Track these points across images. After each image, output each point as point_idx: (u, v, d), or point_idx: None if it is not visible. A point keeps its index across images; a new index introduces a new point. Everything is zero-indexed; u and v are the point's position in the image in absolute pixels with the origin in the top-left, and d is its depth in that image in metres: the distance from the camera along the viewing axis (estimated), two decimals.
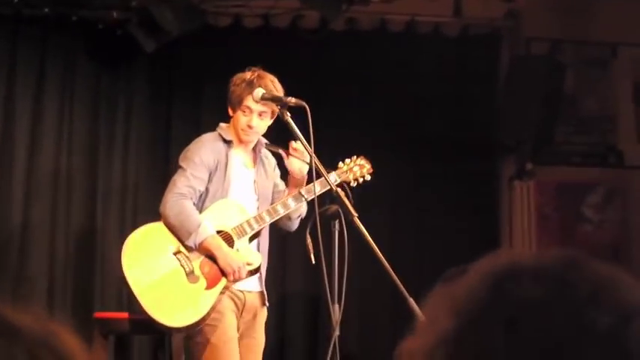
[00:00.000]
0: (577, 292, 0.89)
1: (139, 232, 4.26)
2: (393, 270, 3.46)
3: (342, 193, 3.69)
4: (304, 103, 3.96)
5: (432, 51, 6.48)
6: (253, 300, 4.30)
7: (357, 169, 4.53)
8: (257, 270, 4.22)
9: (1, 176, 5.86)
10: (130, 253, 4.16)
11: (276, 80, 4.22)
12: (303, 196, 4.22)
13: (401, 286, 3.36)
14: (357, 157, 4.58)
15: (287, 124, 3.98)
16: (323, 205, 3.82)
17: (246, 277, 4.17)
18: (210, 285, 4.12)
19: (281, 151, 4.35)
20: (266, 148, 4.41)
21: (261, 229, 4.26)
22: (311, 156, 3.93)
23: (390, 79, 6.40)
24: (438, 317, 0.93)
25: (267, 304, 4.36)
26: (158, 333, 4.91)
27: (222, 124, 4.36)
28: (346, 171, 4.48)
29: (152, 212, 6.06)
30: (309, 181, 4.16)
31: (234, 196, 4.27)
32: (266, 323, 4.41)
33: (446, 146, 6.46)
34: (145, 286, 4.08)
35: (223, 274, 4.12)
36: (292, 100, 3.99)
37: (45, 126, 5.94)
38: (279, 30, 6.35)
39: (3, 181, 5.85)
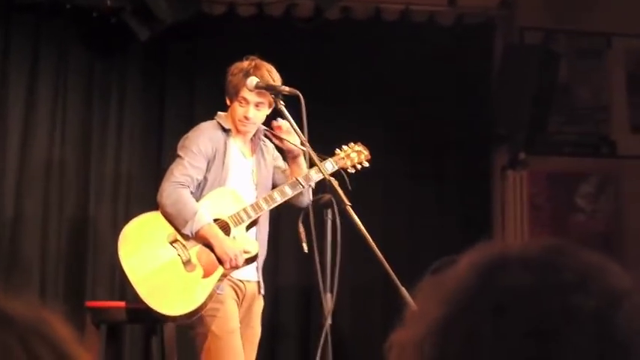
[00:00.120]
0: (564, 279, 0.90)
1: (135, 221, 4.24)
2: (385, 259, 3.46)
3: (335, 183, 3.69)
4: (298, 92, 3.96)
5: (427, 40, 6.47)
6: (252, 290, 4.30)
7: (354, 155, 4.53)
8: (254, 258, 4.21)
9: None
10: (126, 242, 4.14)
11: (273, 69, 4.20)
12: (300, 183, 4.21)
13: (393, 275, 3.36)
14: (355, 144, 4.58)
15: (281, 112, 3.99)
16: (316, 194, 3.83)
17: (243, 265, 4.16)
18: (207, 273, 4.11)
19: (273, 138, 4.35)
20: (264, 134, 4.40)
21: (258, 217, 4.25)
22: (304, 145, 3.92)
23: (384, 67, 6.40)
24: (428, 308, 0.93)
25: (263, 292, 4.37)
26: (150, 322, 4.91)
27: (221, 113, 4.33)
28: (343, 157, 4.48)
29: (145, 201, 6.06)
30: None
31: (233, 185, 4.25)
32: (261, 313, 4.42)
33: (439, 135, 6.46)
34: (141, 276, 4.07)
35: (220, 262, 4.11)
36: (286, 89, 4.00)
37: (38, 115, 5.93)
38: (274, 18, 6.34)
39: None
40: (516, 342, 0.86)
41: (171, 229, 4.15)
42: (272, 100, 4.11)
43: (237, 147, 4.29)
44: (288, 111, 4.05)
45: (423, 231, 6.36)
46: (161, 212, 4.18)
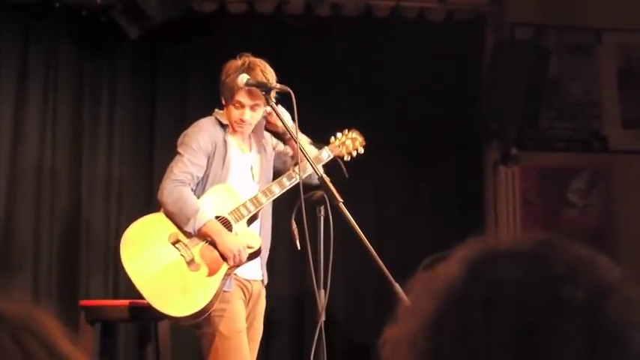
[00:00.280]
0: (553, 271, 0.91)
1: (136, 224, 4.20)
2: (378, 255, 3.47)
3: (327, 179, 3.69)
4: (289, 89, 3.96)
5: (417, 37, 6.47)
6: (257, 289, 4.28)
7: (349, 142, 4.53)
8: (258, 252, 4.19)
9: None
10: (128, 246, 4.11)
11: (267, 68, 4.15)
12: (298, 174, 4.20)
13: (386, 271, 3.37)
14: (349, 131, 4.58)
15: (272, 109, 3.98)
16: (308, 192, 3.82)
17: (247, 260, 4.14)
18: (212, 272, 4.08)
19: (268, 125, 4.34)
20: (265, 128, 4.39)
21: (258, 211, 4.23)
22: (296, 141, 3.92)
23: (374, 64, 6.40)
24: (420, 303, 0.93)
25: (266, 281, 4.35)
26: (145, 320, 4.91)
27: (218, 110, 4.30)
28: (338, 145, 4.48)
29: (137, 199, 6.07)
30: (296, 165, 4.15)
31: (233, 181, 4.22)
32: None
33: (431, 132, 6.47)
34: (146, 279, 4.04)
35: (224, 259, 4.09)
36: (277, 86, 3.99)
37: (28, 113, 5.91)
38: (264, 16, 6.33)
39: None
40: (508, 334, 0.87)
41: (173, 230, 4.12)
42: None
43: (235, 143, 4.27)
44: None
45: (416, 227, 6.36)
46: (163, 211, 4.15)
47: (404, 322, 0.94)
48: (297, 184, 3.97)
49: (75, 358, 0.89)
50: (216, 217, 4.14)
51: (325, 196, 3.66)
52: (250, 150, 4.33)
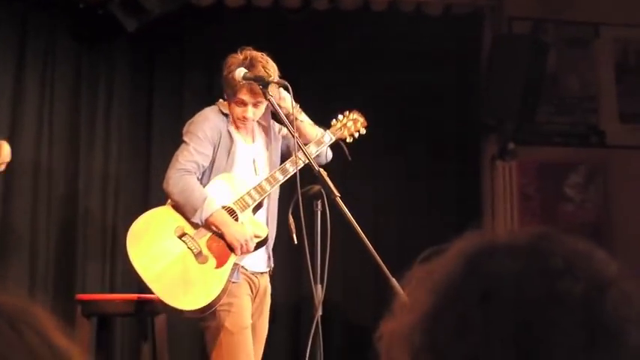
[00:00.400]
0: (550, 264, 0.91)
1: (141, 219, 4.15)
2: (375, 249, 3.46)
3: (324, 173, 3.68)
4: (286, 83, 3.95)
5: (415, 30, 6.47)
6: (264, 284, 4.26)
7: (350, 124, 4.51)
8: (265, 241, 4.16)
9: None
10: (135, 242, 4.07)
11: (269, 63, 4.10)
12: (300, 159, 4.18)
13: (383, 266, 3.36)
14: (350, 112, 4.56)
15: (270, 103, 3.97)
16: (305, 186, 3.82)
17: (255, 249, 4.12)
18: (220, 263, 4.05)
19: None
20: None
21: (263, 199, 4.20)
22: (293, 135, 3.91)
23: (372, 58, 6.39)
24: (417, 297, 0.93)
25: (272, 265, 4.31)
26: (141, 313, 4.91)
27: (222, 101, 4.25)
28: (340, 127, 4.46)
29: (134, 194, 6.07)
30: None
31: (238, 171, 4.19)
32: None
33: (428, 126, 6.47)
34: (155, 274, 4.00)
35: (231, 249, 4.06)
36: (274, 79, 3.98)
37: (26, 106, 5.90)
38: (262, 9, 6.32)
39: None
40: (506, 328, 0.87)
41: (178, 223, 4.08)
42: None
43: (239, 134, 4.23)
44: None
45: (413, 221, 6.36)
46: (169, 201, 4.11)
47: (401, 316, 0.94)
48: (302, 168, 3.96)
49: (70, 351, 0.89)
50: (222, 207, 4.10)
51: (322, 190, 3.65)
52: (254, 141, 4.29)
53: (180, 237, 4.08)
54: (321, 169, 3.70)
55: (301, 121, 4.32)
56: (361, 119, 4.56)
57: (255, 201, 4.15)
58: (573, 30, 6.98)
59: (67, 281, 5.85)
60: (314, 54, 6.36)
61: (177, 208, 4.09)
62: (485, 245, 0.94)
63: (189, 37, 6.24)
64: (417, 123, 6.46)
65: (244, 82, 4.03)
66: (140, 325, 4.94)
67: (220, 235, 4.06)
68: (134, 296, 5.12)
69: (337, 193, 3.59)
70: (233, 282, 4.08)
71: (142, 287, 4.93)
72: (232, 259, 4.07)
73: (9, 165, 4.09)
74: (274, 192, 4.26)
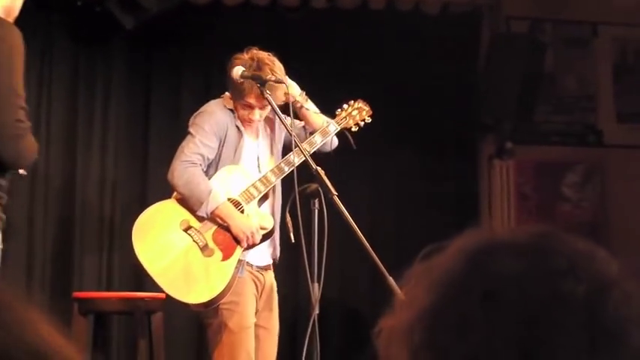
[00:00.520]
0: (553, 264, 0.90)
1: (146, 213, 4.13)
2: (372, 248, 3.46)
3: (321, 172, 3.67)
4: (284, 81, 3.95)
5: (413, 29, 6.46)
6: (270, 281, 4.23)
7: (355, 113, 4.51)
8: (271, 233, 4.14)
9: None
10: (140, 236, 4.03)
11: (275, 64, 4.07)
12: (305, 149, 4.16)
13: (380, 265, 3.36)
14: (355, 101, 4.56)
15: (267, 102, 3.95)
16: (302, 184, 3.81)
17: (261, 241, 4.10)
18: (226, 255, 4.03)
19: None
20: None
21: (268, 191, 4.18)
22: (291, 134, 3.91)
23: (370, 57, 6.38)
24: (418, 294, 0.93)
25: (278, 254, 4.28)
26: (137, 311, 4.90)
27: (227, 94, 4.20)
28: (345, 117, 4.46)
29: (131, 192, 6.06)
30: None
31: (244, 165, 4.17)
32: None
33: (426, 125, 6.46)
34: (161, 268, 3.97)
35: (237, 242, 4.04)
36: (272, 78, 3.97)
37: None
38: (260, 8, 6.32)
39: None
40: (508, 328, 0.86)
41: (183, 216, 4.05)
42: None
43: (245, 130, 4.21)
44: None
45: (410, 220, 6.36)
46: (174, 195, 4.09)
47: (401, 313, 0.93)
48: (300, 167, 3.96)
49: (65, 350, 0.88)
50: (228, 199, 4.08)
51: (320, 189, 3.65)
52: (257, 136, 4.27)
53: (185, 230, 4.05)
54: (319, 168, 3.68)
55: (307, 109, 4.31)
56: (366, 108, 4.55)
57: (260, 192, 4.13)
58: (571, 29, 6.98)
59: (64, 279, 5.84)
60: (312, 53, 6.36)
61: (182, 200, 4.06)
62: (486, 243, 0.94)
63: (186, 36, 6.23)
64: (414, 122, 6.45)
65: (242, 80, 4.02)
66: (137, 323, 4.94)
67: (226, 228, 4.04)
68: (131, 294, 5.12)
69: (334, 192, 3.58)
70: (238, 277, 4.06)
71: (139, 285, 4.93)
72: (238, 251, 4.05)
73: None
74: (277, 184, 4.24)
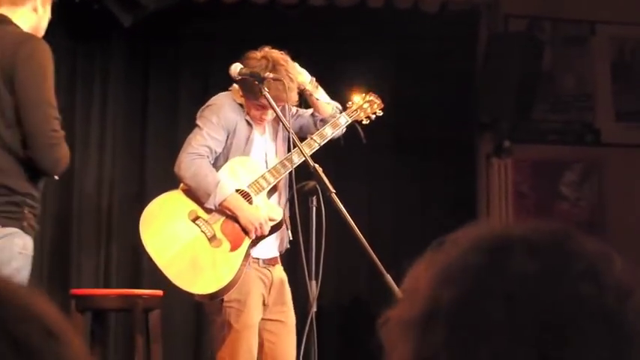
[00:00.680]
0: (573, 268, 0.89)
1: (154, 203, 4.09)
2: (370, 246, 3.46)
3: (319, 169, 3.67)
4: (282, 78, 3.94)
5: (411, 27, 6.46)
6: (278, 276, 4.19)
7: (367, 106, 4.50)
8: (280, 225, 4.10)
9: None
10: (148, 226, 4.00)
11: (289, 65, 4.06)
12: (316, 141, 4.13)
13: (378, 262, 3.36)
14: (366, 94, 4.55)
15: (265, 99, 3.94)
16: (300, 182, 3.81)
17: (270, 233, 4.06)
18: (234, 246, 3.99)
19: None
20: None
21: (278, 182, 4.15)
22: (289, 131, 3.90)
23: (368, 54, 6.38)
24: (430, 287, 0.92)
25: (288, 246, 4.23)
26: (135, 308, 4.90)
27: (235, 87, 4.17)
28: (356, 109, 4.44)
29: (129, 190, 6.06)
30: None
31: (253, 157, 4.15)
32: None
33: (424, 123, 6.46)
34: (168, 258, 3.93)
35: (246, 233, 4.01)
36: (270, 75, 3.95)
37: None
38: (258, 5, 6.31)
39: None
40: (531, 330, 0.86)
41: (191, 207, 4.02)
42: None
43: (255, 125, 4.18)
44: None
45: (408, 219, 6.36)
46: (181, 186, 4.06)
47: (412, 304, 0.92)
48: (298, 164, 3.95)
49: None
50: (236, 191, 4.05)
51: (318, 186, 3.65)
52: (264, 132, 4.23)
53: (193, 220, 4.02)
54: (317, 165, 3.68)
55: (317, 99, 4.31)
56: (377, 101, 4.54)
57: (269, 184, 4.10)
58: (569, 28, 6.98)
59: (62, 276, 5.84)
60: (310, 50, 6.35)
61: (190, 191, 4.04)
62: (501, 239, 0.93)
63: (184, 33, 6.23)
64: (412, 120, 6.45)
65: (239, 77, 4.00)
66: (134, 320, 4.94)
67: (235, 219, 4.01)
68: (128, 291, 5.12)
69: (332, 190, 3.58)
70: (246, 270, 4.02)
71: (137, 282, 4.91)
72: (247, 242, 4.01)
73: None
74: (283, 180, 4.21)
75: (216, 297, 3.98)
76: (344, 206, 3.54)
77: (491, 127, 6.69)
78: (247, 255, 4.03)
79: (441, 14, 6.58)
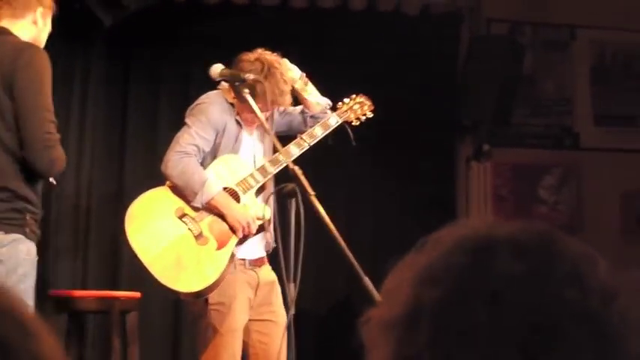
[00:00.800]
0: (559, 270, 0.89)
1: (140, 200, 4.04)
2: (349, 249, 3.45)
3: (299, 172, 3.66)
4: (261, 79, 3.93)
5: (393, 30, 6.46)
6: (265, 277, 4.16)
7: (357, 107, 4.50)
8: (268, 223, 4.09)
9: None
10: (133, 222, 3.95)
11: (283, 68, 4.06)
12: (305, 141, 4.12)
13: (356, 265, 3.35)
14: (357, 96, 4.55)
15: (245, 100, 3.93)
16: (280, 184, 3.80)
17: (257, 232, 4.05)
18: (221, 245, 3.97)
19: None
20: None
21: (266, 181, 4.13)
22: (269, 134, 3.90)
23: (350, 57, 6.38)
24: (411, 286, 0.91)
25: (274, 245, 4.15)
26: (112, 310, 4.88)
27: (225, 85, 4.14)
28: (346, 110, 4.44)
29: (107, 192, 6.03)
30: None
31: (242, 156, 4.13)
32: None
33: (404, 125, 6.46)
34: (153, 255, 3.89)
35: (233, 231, 3.98)
36: (251, 76, 3.95)
37: None
38: (239, 6, 6.30)
39: None
40: (516, 332, 0.85)
41: (178, 204, 3.99)
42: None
43: (243, 125, 4.17)
44: None
45: (387, 221, 6.36)
46: (168, 183, 4.02)
47: (395, 304, 0.91)
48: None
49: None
50: (224, 189, 4.02)
51: (297, 188, 3.64)
52: (252, 134, 4.21)
53: (180, 218, 3.99)
54: (296, 167, 3.67)
55: (305, 98, 4.30)
56: (368, 103, 4.54)
57: (258, 183, 4.08)
58: (550, 32, 7.01)
59: (39, 278, 5.79)
60: (290, 53, 6.33)
61: (177, 189, 4.00)
62: (485, 239, 0.92)
63: (165, 34, 6.20)
64: (392, 122, 6.45)
65: (219, 78, 3.99)
66: (111, 322, 4.91)
67: (222, 217, 3.99)
68: (106, 293, 5.09)
69: (312, 192, 3.57)
70: (230, 272, 4.00)
71: (114, 284, 4.87)
72: (233, 241, 4.00)
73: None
74: (270, 180, 4.20)
75: (202, 295, 3.95)
76: (323, 208, 3.53)
77: (472, 130, 6.71)
78: (233, 256, 4.01)
79: (423, 17, 6.59)
